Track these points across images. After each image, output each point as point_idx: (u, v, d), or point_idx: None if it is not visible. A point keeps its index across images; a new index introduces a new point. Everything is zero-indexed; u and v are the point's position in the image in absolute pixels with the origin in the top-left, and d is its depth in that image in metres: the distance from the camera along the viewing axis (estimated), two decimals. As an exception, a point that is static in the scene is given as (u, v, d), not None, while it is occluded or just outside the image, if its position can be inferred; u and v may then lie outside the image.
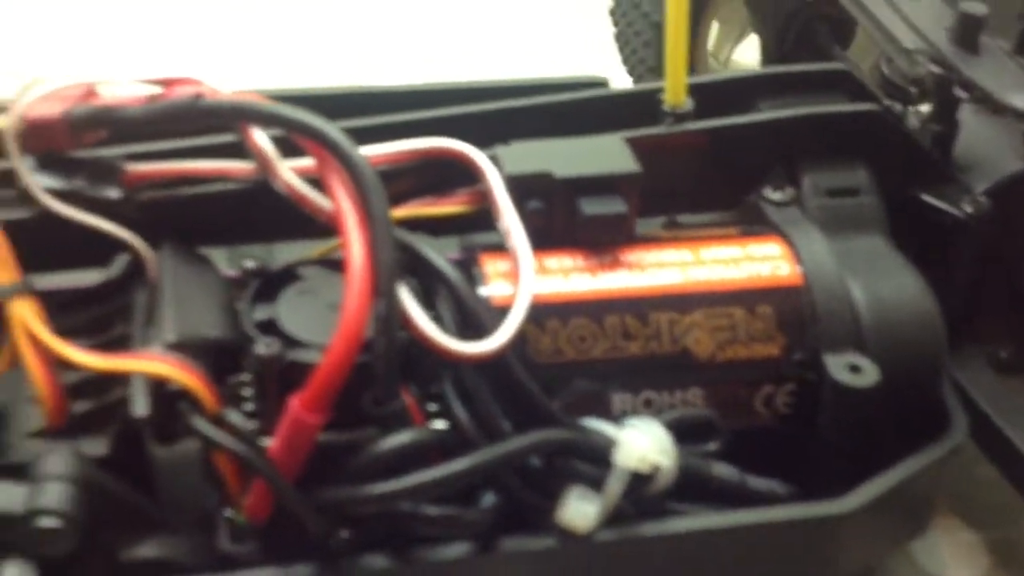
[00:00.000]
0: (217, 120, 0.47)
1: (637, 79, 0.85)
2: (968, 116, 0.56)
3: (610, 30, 0.88)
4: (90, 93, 0.48)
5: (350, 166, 0.43)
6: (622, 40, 0.86)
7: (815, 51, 0.76)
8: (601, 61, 0.91)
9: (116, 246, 0.48)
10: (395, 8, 1.17)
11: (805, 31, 0.77)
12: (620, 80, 0.90)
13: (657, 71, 0.81)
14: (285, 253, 0.51)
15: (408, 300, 0.43)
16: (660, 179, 0.50)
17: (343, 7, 1.17)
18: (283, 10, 1.16)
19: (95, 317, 0.47)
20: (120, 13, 1.14)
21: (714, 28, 0.85)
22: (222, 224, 0.49)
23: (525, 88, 0.58)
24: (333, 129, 0.43)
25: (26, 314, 0.42)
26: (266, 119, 0.45)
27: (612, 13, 0.86)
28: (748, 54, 0.84)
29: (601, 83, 0.60)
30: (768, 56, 0.79)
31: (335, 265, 0.47)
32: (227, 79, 0.48)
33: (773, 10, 0.75)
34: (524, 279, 0.45)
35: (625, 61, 0.87)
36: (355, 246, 0.41)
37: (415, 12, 1.16)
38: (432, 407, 0.44)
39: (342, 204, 0.43)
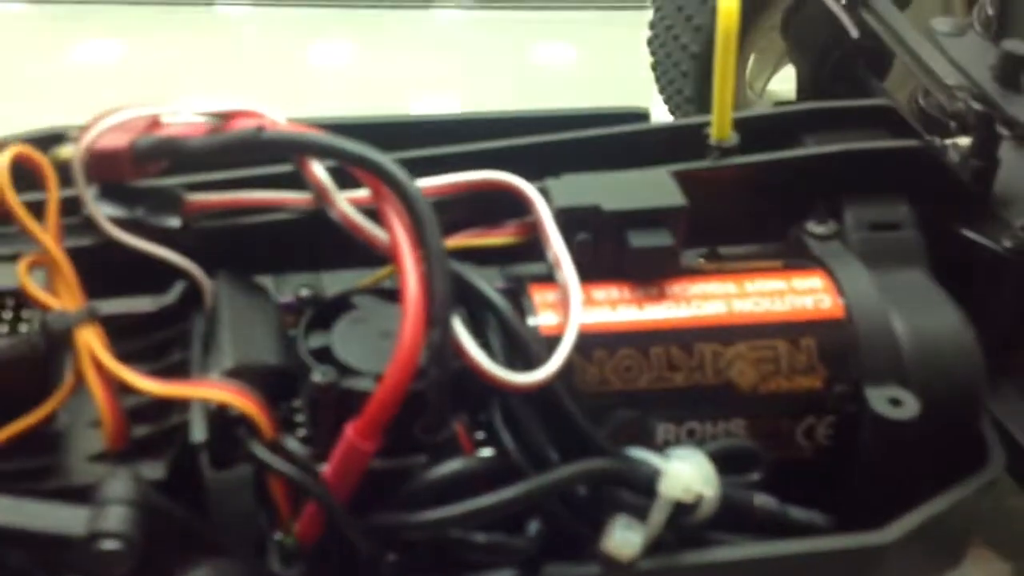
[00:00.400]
0: (277, 152, 0.48)
1: (674, 108, 0.86)
2: (1008, 152, 0.57)
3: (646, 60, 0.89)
4: (154, 124, 0.50)
5: (406, 199, 0.44)
6: (660, 70, 0.87)
7: (851, 82, 0.77)
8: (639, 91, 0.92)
9: (175, 273, 0.49)
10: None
11: (842, 63, 0.78)
12: (656, 108, 0.91)
13: (694, 101, 0.83)
14: (332, 281, 0.52)
15: (460, 330, 0.44)
16: (705, 211, 0.51)
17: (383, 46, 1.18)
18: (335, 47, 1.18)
19: (154, 343, 0.48)
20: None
21: (751, 59, 0.86)
22: (277, 253, 0.51)
23: (569, 119, 0.59)
24: (390, 162, 0.45)
25: (92, 340, 0.43)
26: (325, 152, 0.46)
27: (650, 43, 0.88)
28: (784, 85, 0.85)
29: (642, 114, 0.61)
30: (804, 87, 0.80)
31: (387, 294, 0.48)
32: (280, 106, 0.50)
33: (811, 42, 0.76)
34: (573, 310, 0.46)
35: (662, 90, 0.88)
36: (410, 277, 0.43)
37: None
38: (481, 435, 0.45)
39: (398, 235, 0.44)
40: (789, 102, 0.82)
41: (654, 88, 0.90)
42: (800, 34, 0.79)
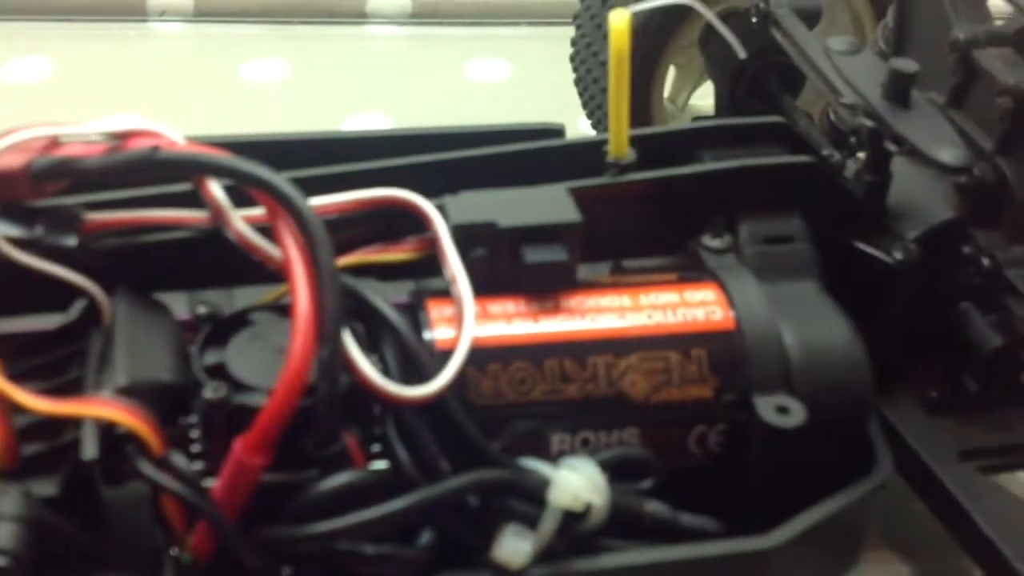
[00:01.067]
0: (173, 172, 0.49)
1: (595, 123, 0.87)
2: (900, 167, 0.58)
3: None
4: (52, 144, 0.50)
5: (298, 217, 0.45)
6: (581, 85, 0.88)
7: (765, 98, 0.78)
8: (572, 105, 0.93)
9: (74, 292, 0.49)
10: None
11: (757, 79, 0.79)
12: (584, 122, 0.92)
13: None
14: (245, 298, 0.53)
15: (351, 345, 0.44)
16: (605, 226, 0.53)
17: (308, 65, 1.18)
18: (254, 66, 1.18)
19: (50, 361, 0.48)
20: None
21: (671, 74, 0.88)
22: (178, 270, 0.51)
23: (485, 135, 0.60)
24: (282, 182, 0.45)
25: (-14, 359, 0.43)
26: (220, 171, 0.47)
27: (572, 60, 0.89)
28: (706, 100, 0.87)
29: (558, 130, 0.62)
30: (721, 102, 0.81)
31: (285, 311, 0.48)
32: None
33: (726, 59, 0.77)
34: (466, 324, 0.47)
35: (584, 106, 0.89)
36: (301, 293, 0.43)
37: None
38: (376, 448, 0.46)
39: (290, 253, 0.45)
40: (707, 117, 0.83)
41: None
42: (715, 52, 0.81)
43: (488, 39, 1.20)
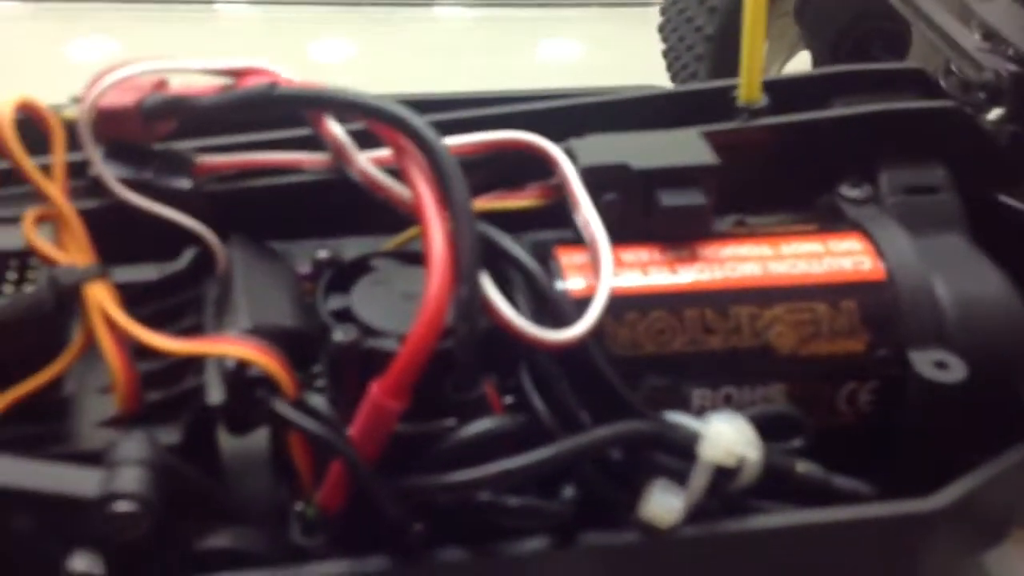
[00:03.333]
0: (291, 108, 0.46)
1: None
2: (1044, 116, 0.55)
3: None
4: (162, 83, 0.48)
5: (431, 153, 0.42)
6: (672, 55, 0.85)
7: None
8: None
9: (187, 238, 0.47)
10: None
11: (858, 46, 0.76)
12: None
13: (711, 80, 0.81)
14: (351, 247, 0.50)
15: (490, 287, 0.42)
16: (734, 176, 0.50)
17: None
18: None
19: (166, 309, 0.46)
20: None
21: (764, 46, 0.85)
22: (293, 217, 0.49)
23: (589, 93, 0.57)
24: (414, 116, 0.43)
25: (103, 297, 0.41)
26: (343, 106, 0.45)
27: (661, 30, 0.86)
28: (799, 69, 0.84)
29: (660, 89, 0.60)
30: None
31: (408, 257, 0.46)
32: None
33: (826, 27, 0.75)
34: (604, 271, 0.44)
35: (674, 77, 0.86)
36: (435, 232, 0.41)
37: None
38: (510, 399, 0.43)
39: (422, 192, 0.42)
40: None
41: (664, 82, 0.89)
42: (814, 19, 0.78)
43: (558, 20, 1.18)
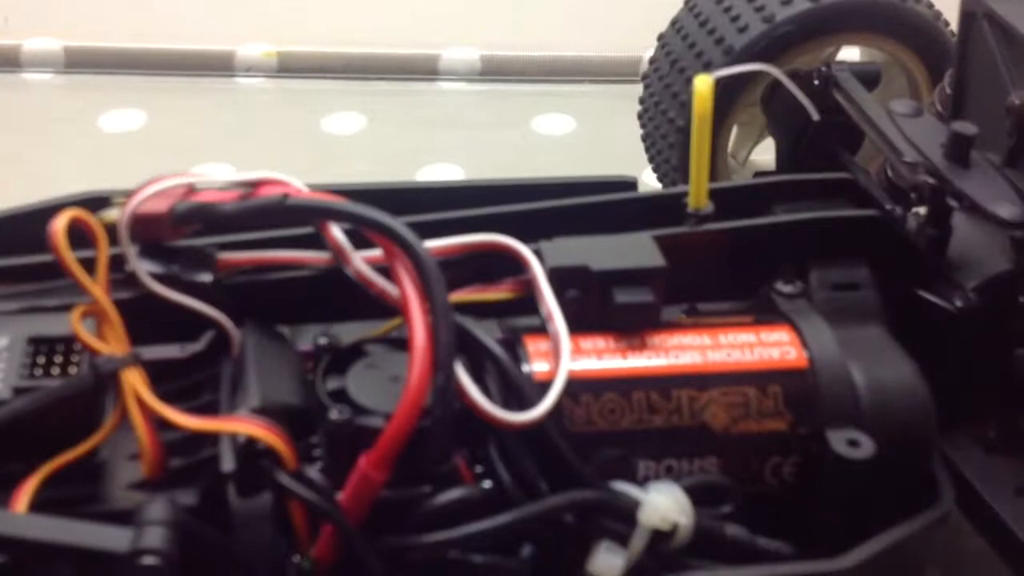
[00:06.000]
0: (301, 217, 0.54)
1: (662, 176, 0.92)
2: (960, 221, 0.63)
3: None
4: (190, 191, 0.56)
5: (415, 259, 0.50)
6: (648, 141, 0.93)
7: (825, 156, 0.83)
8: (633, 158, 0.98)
9: (206, 324, 0.55)
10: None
11: (816, 138, 0.84)
12: (648, 175, 0.97)
13: (681, 169, 0.89)
14: (346, 332, 0.58)
15: (463, 374, 0.49)
16: (683, 273, 0.57)
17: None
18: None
19: (187, 386, 0.54)
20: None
21: (734, 131, 0.92)
22: (297, 306, 0.56)
23: (562, 186, 0.65)
24: (401, 226, 0.51)
25: (136, 381, 0.48)
26: (345, 217, 0.52)
27: (639, 117, 0.94)
28: (766, 155, 0.91)
29: (630, 182, 0.67)
30: (782, 159, 0.86)
31: (396, 343, 0.53)
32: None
33: (787, 119, 0.82)
34: (563, 358, 0.52)
35: (651, 160, 0.94)
36: (418, 327, 0.48)
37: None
38: (479, 469, 0.50)
39: (407, 290, 0.50)
40: (768, 172, 0.88)
41: (646, 158, 0.96)
42: (777, 111, 0.85)
43: (553, 95, 1.27)
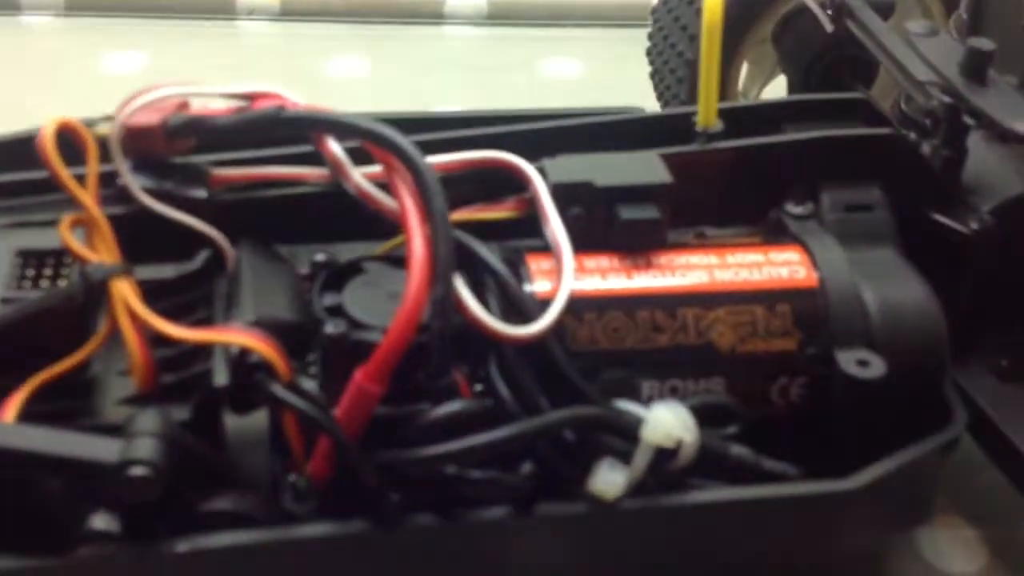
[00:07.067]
0: (296, 129, 0.53)
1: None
2: (976, 143, 0.61)
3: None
4: (183, 105, 0.54)
5: (415, 170, 0.49)
6: (657, 77, 0.91)
7: (839, 90, 0.81)
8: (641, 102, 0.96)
9: (200, 241, 0.53)
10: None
11: (829, 73, 0.82)
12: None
13: (689, 104, 0.87)
14: (346, 252, 0.56)
15: (462, 287, 0.48)
16: (691, 194, 0.56)
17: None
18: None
19: (180, 303, 0.52)
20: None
21: (744, 69, 0.90)
22: (296, 224, 0.55)
23: (567, 115, 0.63)
24: (402, 138, 0.49)
25: (127, 291, 0.47)
26: (341, 129, 0.51)
27: (648, 53, 0.92)
28: (778, 94, 0.89)
29: (637, 111, 0.66)
30: (793, 92, 0.84)
31: (395, 261, 0.52)
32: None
33: (799, 54, 0.80)
34: (565, 274, 0.50)
35: (659, 96, 0.92)
36: (416, 238, 0.47)
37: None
38: (478, 387, 0.49)
39: (406, 203, 0.49)
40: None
41: (654, 100, 0.94)
42: (789, 46, 0.84)
43: (561, 39, 1.24)
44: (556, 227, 0.52)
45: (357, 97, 1.14)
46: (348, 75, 1.18)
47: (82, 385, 0.49)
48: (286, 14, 1.24)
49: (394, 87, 1.16)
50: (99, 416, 0.48)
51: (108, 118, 0.53)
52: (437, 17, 1.25)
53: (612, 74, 1.16)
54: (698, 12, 0.85)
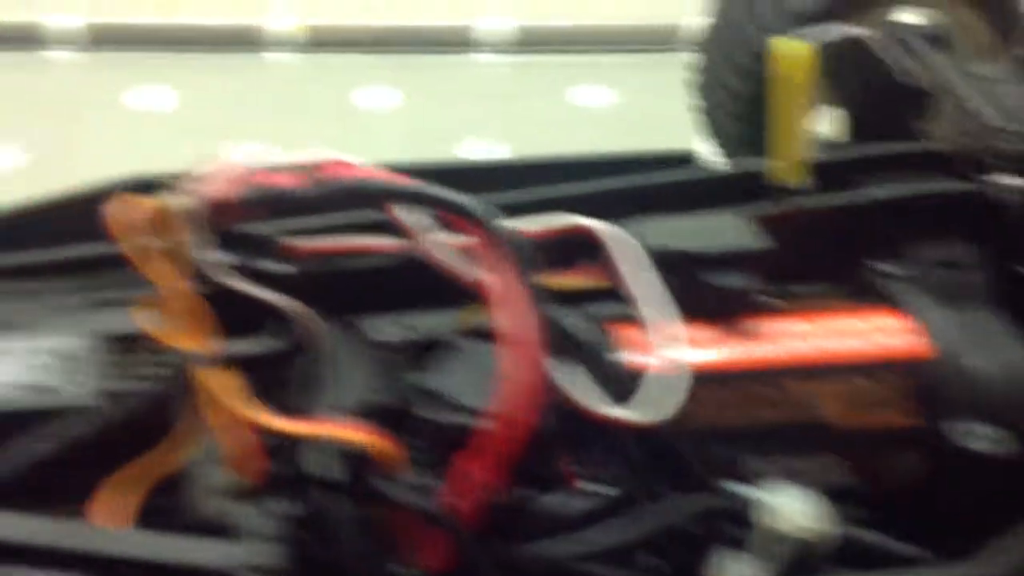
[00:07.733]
0: (381, 200, 0.51)
1: (722, 147, 0.89)
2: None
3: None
4: (255, 175, 0.52)
5: (505, 244, 0.47)
6: (706, 114, 0.90)
7: (893, 123, 0.79)
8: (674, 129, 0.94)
9: (274, 315, 0.51)
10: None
11: (883, 106, 0.80)
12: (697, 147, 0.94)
13: (744, 142, 0.85)
14: (423, 323, 0.54)
15: (562, 369, 0.46)
16: (775, 252, 0.54)
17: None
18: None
19: (265, 382, 0.50)
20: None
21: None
22: (372, 295, 0.53)
23: (618, 162, 0.62)
24: (489, 210, 0.47)
25: (226, 382, 0.45)
26: (423, 200, 0.49)
27: (694, 89, 0.90)
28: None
29: (686, 156, 0.64)
30: (850, 128, 0.82)
31: (484, 334, 0.50)
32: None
33: (856, 86, 0.79)
34: (682, 353, 0.48)
35: (711, 134, 0.91)
36: (515, 319, 0.45)
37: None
38: (583, 470, 0.47)
39: (497, 277, 0.46)
40: (838, 143, 0.84)
41: (687, 125, 0.92)
42: (846, 78, 0.82)
43: (590, 66, 1.23)
44: (652, 298, 0.50)
45: (386, 128, 1.13)
46: (375, 105, 1.16)
47: (181, 478, 0.47)
48: (313, 44, 1.23)
49: (422, 117, 1.15)
50: (199, 511, 0.46)
51: (173, 187, 0.51)
52: (464, 44, 1.24)
53: (644, 101, 1.15)
54: (750, 48, 0.84)
